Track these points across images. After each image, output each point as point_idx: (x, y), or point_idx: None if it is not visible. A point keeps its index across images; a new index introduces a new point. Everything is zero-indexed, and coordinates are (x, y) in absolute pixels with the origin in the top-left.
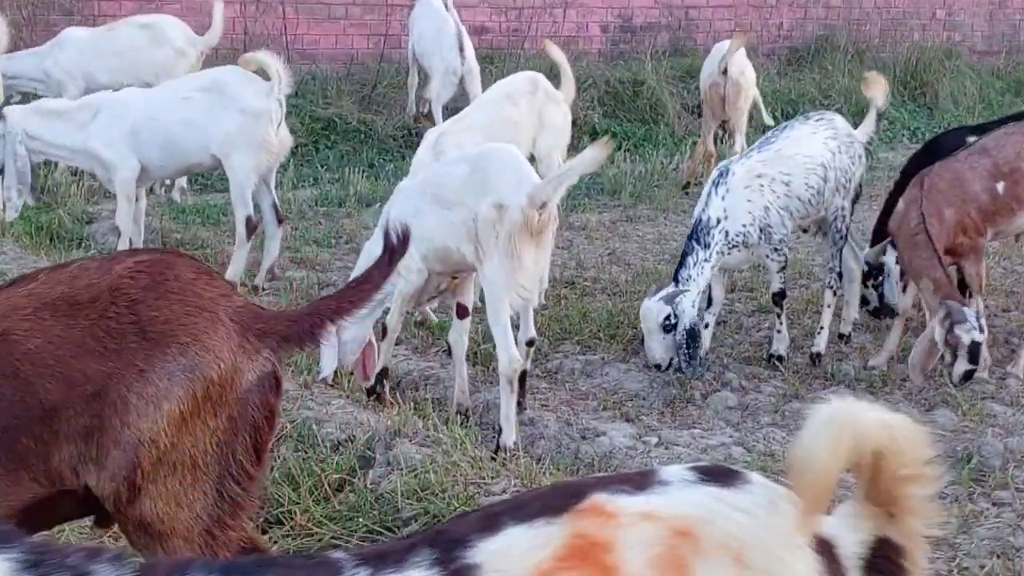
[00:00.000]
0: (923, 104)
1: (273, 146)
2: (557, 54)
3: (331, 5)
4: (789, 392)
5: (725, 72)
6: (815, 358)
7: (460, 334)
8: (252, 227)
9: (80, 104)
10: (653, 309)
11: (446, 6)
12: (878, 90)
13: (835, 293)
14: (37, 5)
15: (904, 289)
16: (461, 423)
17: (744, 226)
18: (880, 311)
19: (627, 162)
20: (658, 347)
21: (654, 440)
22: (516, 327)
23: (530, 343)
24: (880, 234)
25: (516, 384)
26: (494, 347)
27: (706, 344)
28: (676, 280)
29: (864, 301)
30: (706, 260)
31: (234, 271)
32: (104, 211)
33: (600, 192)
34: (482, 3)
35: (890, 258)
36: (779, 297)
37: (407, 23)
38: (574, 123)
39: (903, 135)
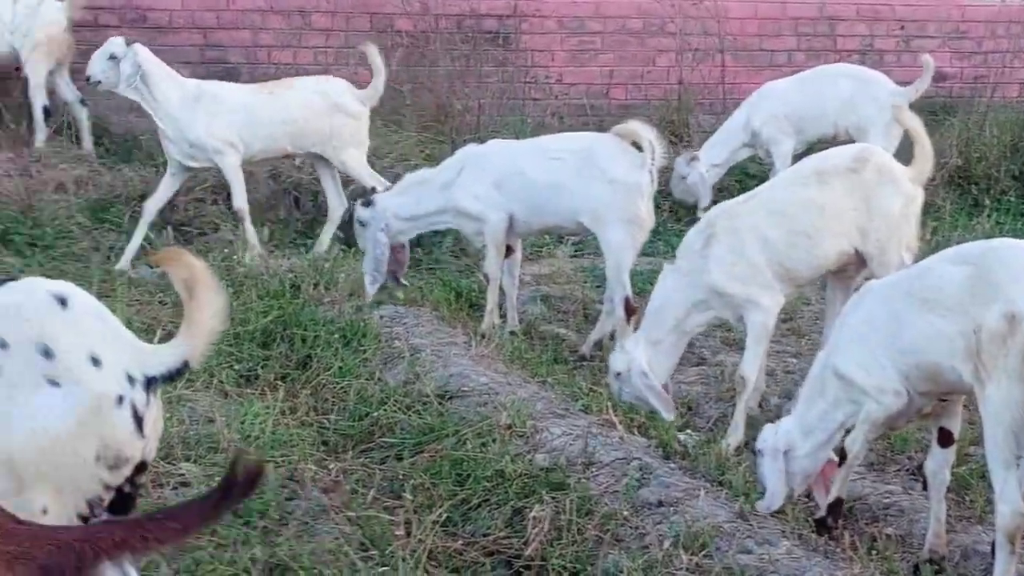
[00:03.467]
0: None
1: (644, 222)
2: (909, 120)
3: (773, 52)
4: None
5: None
6: None
7: (941, 465)
8: (631, 309)
9: (441, 167)
10: None
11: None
12: None
13: None
14: None
15: None
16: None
17: None
18: None
19: None
20: None
21: None
22: None
23: None
24: None
25: (1018, 543)
26: (968, 471)
27: None
28: None
29: None
30: None
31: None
32: (525, 276)
33: None
34: (942, 47)
35: None
36: None
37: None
38: None
39: None
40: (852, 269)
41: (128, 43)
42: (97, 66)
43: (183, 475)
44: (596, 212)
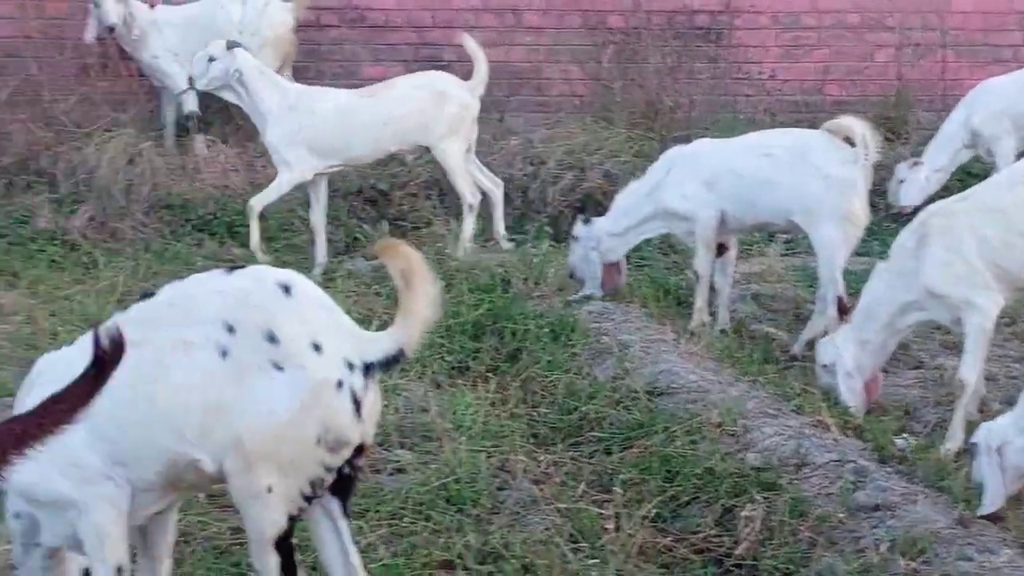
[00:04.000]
0: None
1: (859, 219)
2: None
3: (999, 47)
4: None
5: None
6: None
7: None
8: (844, 308)
9: (647, 172)
10: None
11: None
12: None
13: None
14: None
15: None
16: None
17: None
18: None
19: None
20: None
21: None
22: None
23: None
24: None
25: None
26: None
27: None
28: None
29: None
30: None
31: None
32: (735, 274)
33: None
34: None
35: None
36: None
37: None
38: None
39: None
40: None
41: (230, 46)
42: (199, 68)
43: (398, 461)
44: (809, 209)
